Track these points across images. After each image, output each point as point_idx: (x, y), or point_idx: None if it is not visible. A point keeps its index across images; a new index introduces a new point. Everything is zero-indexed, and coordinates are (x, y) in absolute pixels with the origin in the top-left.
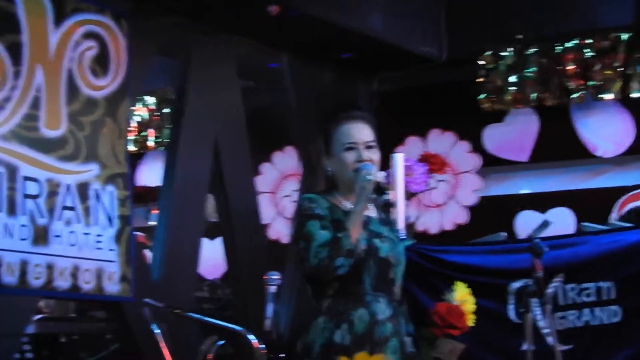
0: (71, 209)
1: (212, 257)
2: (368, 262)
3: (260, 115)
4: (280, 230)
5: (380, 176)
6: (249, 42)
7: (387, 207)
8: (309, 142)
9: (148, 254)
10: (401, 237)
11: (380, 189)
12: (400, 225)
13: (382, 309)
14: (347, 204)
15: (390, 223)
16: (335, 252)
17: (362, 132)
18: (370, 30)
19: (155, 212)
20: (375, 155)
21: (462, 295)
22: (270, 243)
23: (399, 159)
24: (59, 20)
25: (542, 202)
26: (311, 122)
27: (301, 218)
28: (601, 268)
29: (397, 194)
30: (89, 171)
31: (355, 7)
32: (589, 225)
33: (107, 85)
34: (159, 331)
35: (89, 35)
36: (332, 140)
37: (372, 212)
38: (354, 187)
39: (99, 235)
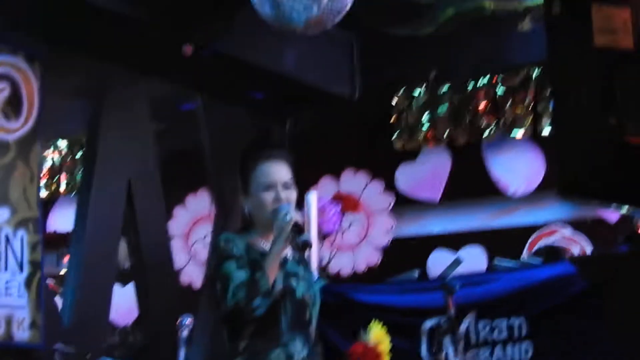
0: None
1: (123, 304)
2: (284, 302)
3: (173, 158)
4: (192, 274)
5: (298, 216)
6: (163, 83)
7: (304, 247)
8: (223, 184)
9: (58, 300)
10: (315, 278)
11: (298, 229)
12: (314, 266)
13: (299, 349)
14: (265, 244)
15: (305, 263)
16: (253, 293)
17: (279, 172)
18: (283, 69)
19: (67, 259)
20: (292, 195)
21: (377, 336)
22: (183, 288)
23: (312, 199)
24: None
25: (454, 241)
26: (225, 163)
27: (218, 259)
28: (513, 305)
29: (311, 235)
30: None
31: (269, 46)
32: (501, 263)
33: (18, 128)
34: None
35: (0, 77)
36: (249, 179)
37: (288, 252)
38: (271, 227)
39: (8, 282)
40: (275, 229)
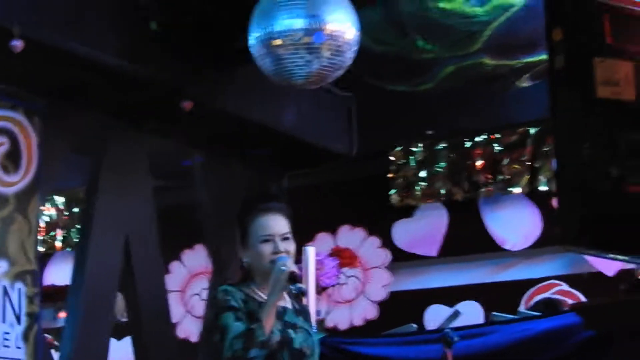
0: None
1: (119, 358)
2: (282, 353)
3: (170, 214)
4: (189, 329)
5: (294, 267)
6: (162, 139)
7: (300, 295)
8: (220, 240)
9: (55, 355)
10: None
11: (294, 278)
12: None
13: None
14: (263, 295)
15: (305, 313)
16: (249, 344)
17: (278, 224)
18: (281, 126)
19: (63, 315)
20: (291, 246)
21: None
22: (180, 342)
23: (310, 252)
24: None
25: (451, 295)
26: (222, 219)
27: (216, 310)
28: (512, 357)
29: (309, 288)
30: None
31: (267, 103)
32: (499, 315)
33: (18, 181)
34: None
35: (0, 132)
36: (248, 232)
37: (287, 302)
38: (270, 278)
39: (6, 333)
40: (272, 279)
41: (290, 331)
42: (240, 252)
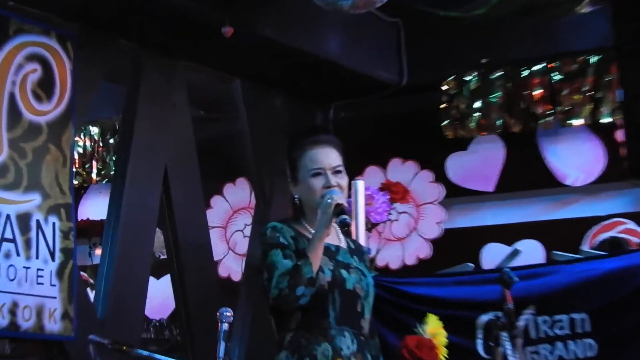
0: (10, 240)
1: (158, 297)
2: (333, 293)
3: (211, 145)
4: (231, 267)
5: (343, 199)
6: (201, 68)
7: (342, 226)
8: (263, 173)
9: (90, 294)
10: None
11: (341, 211)
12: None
13: (347, 343)
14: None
15: (360, 253)
16: (296, 281)
17: (329, 157)
18: (326, 54)
19: (99, 251)
20: (343, 180)
21: (434, 328)
22: (221, 280)
23: (359, 186)
24: (1, 41)
25: (509, 233)
26: (265, 151)
27: (264, 248)
28: (574, 299)
29: (358, 224)
30: (31, 201)
31: (312, 31)
32: (561, 254)
33: (51, 110)
34: None
35: (32, 58)
36: (298, 166)
37: (341, 241)
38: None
39: (39, 270)
40: (319, 213)
41: (343, 271)
42: (291, 187)
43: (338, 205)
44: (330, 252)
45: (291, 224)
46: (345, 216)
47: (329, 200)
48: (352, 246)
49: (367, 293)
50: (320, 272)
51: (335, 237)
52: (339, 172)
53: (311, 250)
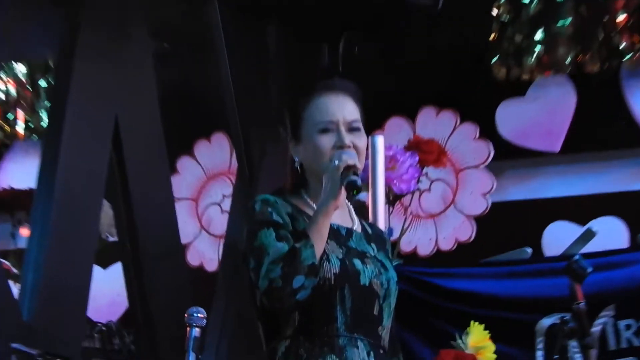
0: None
1: (105, 293)
2: (342, 290)
3: (178, 90)
4: (204, 252)
5: (353, 160)
6: None
7: (350, 189)
8: (248, 126)
9: (14, 288)
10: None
11: (351, 174)
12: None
13: (362, 356)
14: None
15: (380, 240)
16: (292, 269)
17: (343, 109)
18: None
19: (25, 232)
20: (360, 140)
21: (478, 340)
22: (191, 271)
23: (379, 144)
24: None
25: (580, 209)
26: (251, 98)
27: (252, 226)
28: None
29: (376, 196)
30: None
31: None
32: None
33: None
34: None
35: None
36: (301, 119)
37: (354, 223)
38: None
39: None
40: (324, 179)
41: (356, 261)
42: (291, 147)
43: (349, 168)
44: (340, 236)
45: (288, 197)
46: (354, 177)
47: (337, 162)
48: (369, 230)
49: (388, 292)
50: (326, 260)
51: (347, 218)
52: (356, 129)
53: (313, 228)
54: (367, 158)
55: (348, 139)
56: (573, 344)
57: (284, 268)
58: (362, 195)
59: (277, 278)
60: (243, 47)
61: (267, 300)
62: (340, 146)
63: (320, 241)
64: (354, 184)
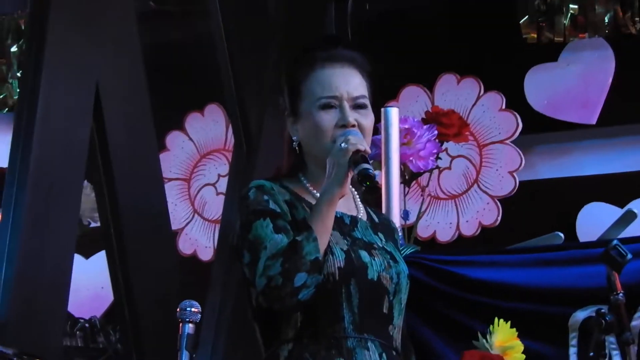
0: None
1: (87, 285)
2: (348, 286)
3: (167, 56)
4: (198, 239)
5: (364, 144)
6: None
7: (363, 180)
8: (245, 97)
9: None
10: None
11: (361, 159)
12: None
13: (373, 359)
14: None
15: (388, 229)
16: (293, 265)
17: (348, 82)
18: None
19: None
20: (366, 118)
21: (504, 339)
22: (183, 260)
23: (393, 116)
24: None
25: (620, 189)
26: (249, 65)
27: (246, 217)
28: None
29: (390, 174)
30: None
31: None
32: None
33: None
34: None
35: None
36: (301, 92)
37: (359, 211)
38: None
39: None
40: (328, 163)
41: (363, 253)
42: (289, 124)
43: (357, 152)
44: (343, 224)
45: (285, 182)
46: (367, 165)
47: (344, 145)
48: (376, 219)
49: (399, 287)
50: (329, 253)
51: (350, 204)
52: (362, 106)
53: (316, 219)
54: (379, 132)
55: (352, 117)
56: (610, 340)
57: (284, 264)
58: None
59: (276, 275)
60: (238, 5)
61: (265, 300)
62: (343, 125)
63: (324, 234)
64: (369, 175)
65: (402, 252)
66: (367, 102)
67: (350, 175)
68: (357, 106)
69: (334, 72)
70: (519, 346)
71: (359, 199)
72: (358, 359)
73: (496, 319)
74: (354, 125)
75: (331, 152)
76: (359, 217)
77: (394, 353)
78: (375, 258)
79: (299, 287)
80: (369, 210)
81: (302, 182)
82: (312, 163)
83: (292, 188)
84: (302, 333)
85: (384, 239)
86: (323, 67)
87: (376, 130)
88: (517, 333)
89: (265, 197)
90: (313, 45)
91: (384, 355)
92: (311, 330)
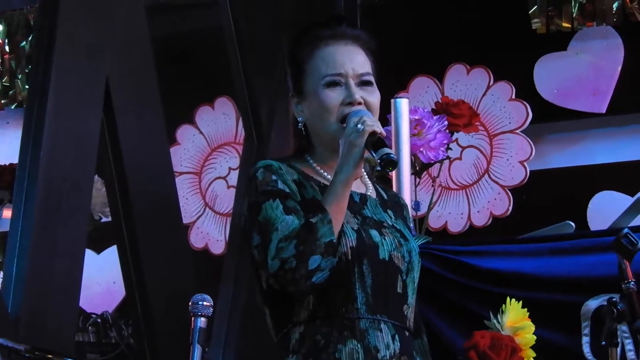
0: None
1: (99, 281)
2: (360, 266)
3: (176, 49)
4: (210, 233)
5: (378, 125)
6: None
7: (386, 167)
8: (256, 90)
9: None
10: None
11: (377, 142)
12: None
13: (387, 340)
14: (329, 175)
15: (398, 206)
16: (308, 247)
17: (352, 60)
18: None
19: (7, 213)
20: (372, 95)
21: (516, 319)
22: (195, 254)
23: (403, 107)
24: None
25: (630, 177)
26: (259, 57)
27: (255, 198)
28: None
29: (400, 165)
30: None
31: None
32: None
33: None
34: None
35: None
36: (305, 71)
37: (369, 189)
38: (338, 145)
39: None
40: (342, 144)
41: (374, 232)
42: (293, 104)
43: (374, 134)
44: (353, 202)
45: (293, 162)
46: (389, 151)
47: (360, 126)
48: (385, 196)
49: (411, 265)
50: (342, 233)
51: (359, 182)
52: (367, 83)
53: (331, 201)
54: (389, 123)
55: (358, 94)
56: (623, 328)
57: (298, 246)
58: None
59: (290, 258)
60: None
61: (278, 282)
62: (349, 102)
63: (339, 216)
64: (392, 161)
65: (412, 240)
66: (372, 79)
67: (366, 158)
68: (363, 83)
69: (339, 49)
70: (530, 327)
71: (366, 177)
72: (371, 340)
73: (508, 298)
74: (360, 103)
75: (345, 132)
76: (368, 194)
77: (407, 333)
78: (386, 237)
79: (313, 269)
80: (378, 187)
81: (309, 163)
82: (319, 143)
83: (300, 167)
84: (314, 314)
85: (393, 217)
86: (327, 45)
87: (386, 122)
88: (528, 313)
89: (274, 177)
90: (316, 23)
91: (396, 337)
92: (323, 311)
